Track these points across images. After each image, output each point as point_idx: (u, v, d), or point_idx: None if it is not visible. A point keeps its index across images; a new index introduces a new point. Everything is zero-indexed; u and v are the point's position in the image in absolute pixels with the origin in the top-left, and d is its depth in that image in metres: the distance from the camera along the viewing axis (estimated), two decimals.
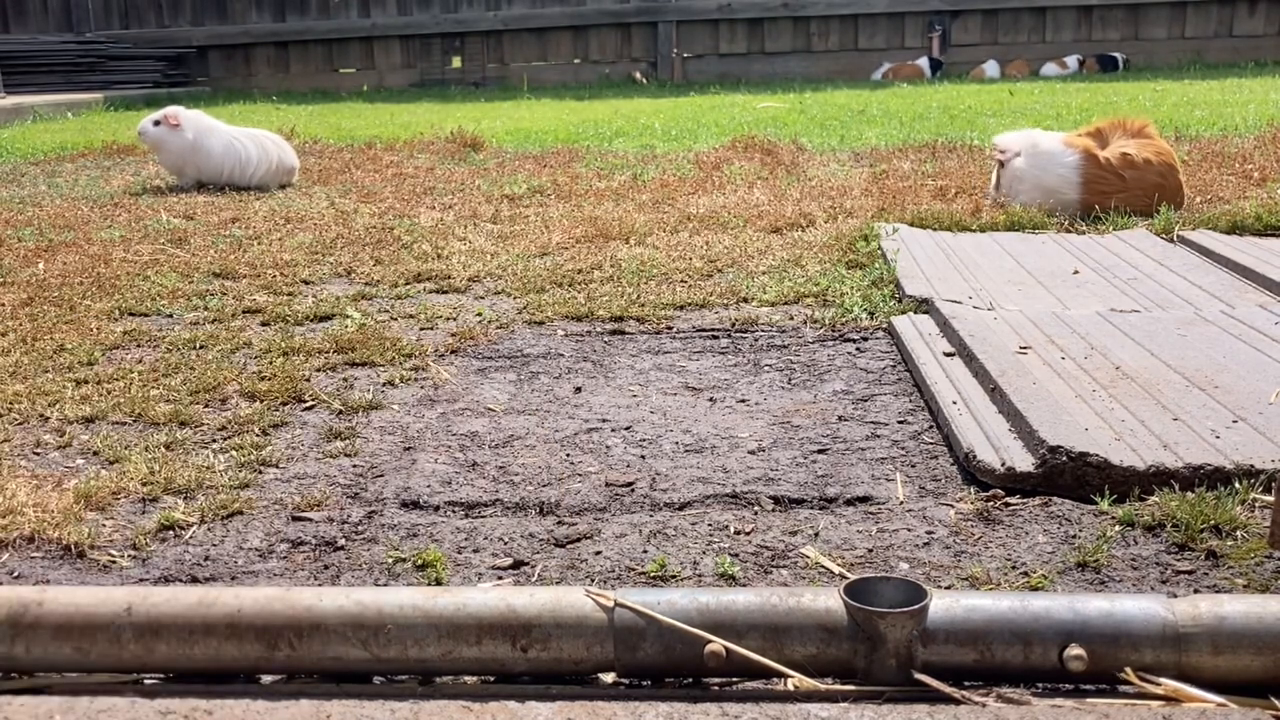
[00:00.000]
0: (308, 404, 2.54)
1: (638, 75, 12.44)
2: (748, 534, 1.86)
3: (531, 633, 1.36)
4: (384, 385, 2.67)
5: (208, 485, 2.08)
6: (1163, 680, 1.29)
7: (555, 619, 1.36)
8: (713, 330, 3.07)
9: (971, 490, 2.01)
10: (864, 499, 1.99)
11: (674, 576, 1.72)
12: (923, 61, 11.81)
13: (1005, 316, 2.86)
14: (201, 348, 2.98)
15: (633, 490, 2.04)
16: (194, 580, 1.76)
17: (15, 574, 1.78)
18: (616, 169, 5.90)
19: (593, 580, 1.72)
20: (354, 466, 2.18)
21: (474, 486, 2.07)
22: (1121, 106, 7.78)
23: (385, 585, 1.71)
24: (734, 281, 3.52)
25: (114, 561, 1.82)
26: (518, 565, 1.78)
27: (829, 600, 1.36)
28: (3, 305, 3.37)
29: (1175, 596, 1.42)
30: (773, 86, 11.02)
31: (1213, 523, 1.78)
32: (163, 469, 2.13)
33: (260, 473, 2.15)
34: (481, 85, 12.53)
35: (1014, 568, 1.72)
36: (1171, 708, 1.26)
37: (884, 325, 3.03)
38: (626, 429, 2.36)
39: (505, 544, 1.86)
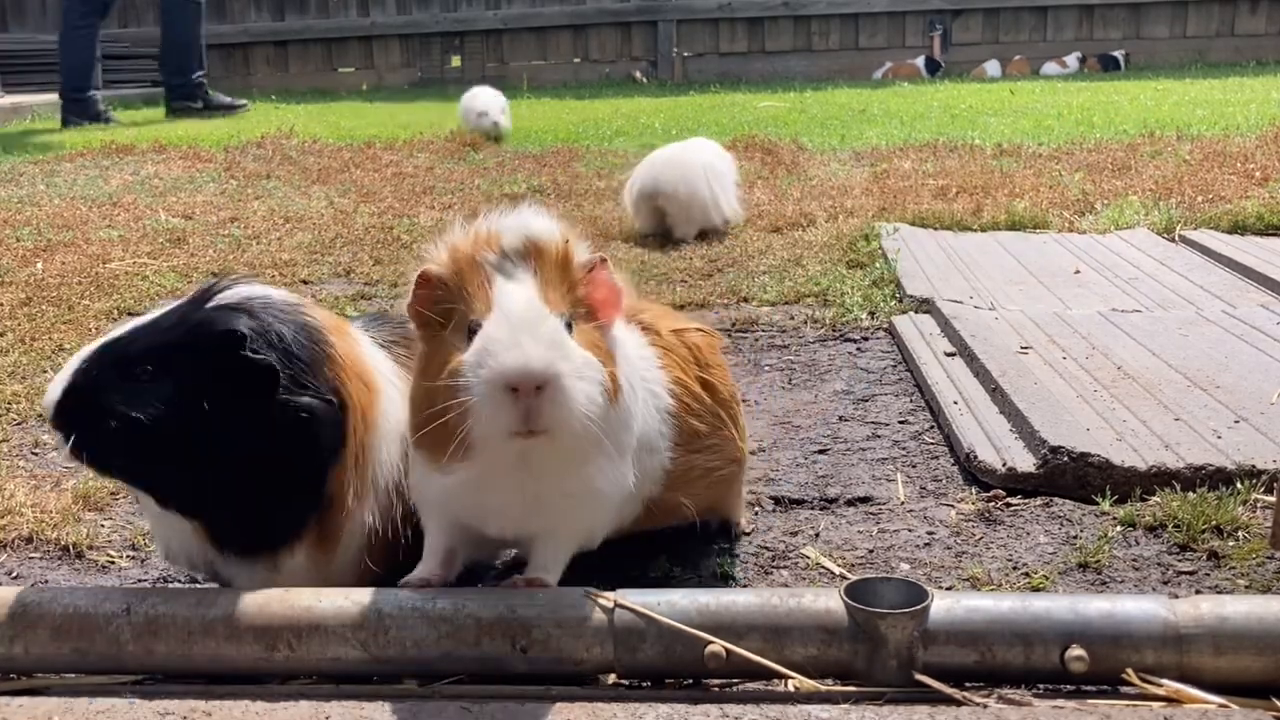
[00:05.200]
0: None
1: (638, 75, 12.43)
2: (748, 534, 1.86)
3: (531, 633, 1.35)
4: None
5: None
6: (1164, 681, 1.29)
7: (555, 619, 1.36)
8: None
9: (972, 490, 2.00)
10: (865, 499, 1.98)
11: (674, 577, 1.72)
12: (919, 61, 11.80)
13: (1006, 316, 2.86)
14: None
15: None
16: (193, 581, 1.75)
17: (14, 574, 1.78)
18: (616, 169, 5.89)
19: (593, 581, 1.72)
20: None
21: None
22: (1123, 105, 7.77)
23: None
24: (734, 281, 3.52)
25: (113, 562, 1.81)
26: (518, 565, 1.78)
27: (829, 601, 1.35)
28: (1, 305, 3.37)
29: (1177, 597, 1.41)
30: (773, 86, 11.01)
31: (1214, 523, 1.77)
32: None
33: None
34: (481, 85, 12.52)
35: (1015, 568, 1.71)
36: (1173, 708, 1.26)
37: (885, 325, 3.03)
38: None
39: None
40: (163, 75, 8.74)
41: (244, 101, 9.20)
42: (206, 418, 1.36)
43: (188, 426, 1.36)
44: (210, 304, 1.43)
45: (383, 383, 1.50)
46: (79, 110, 8.25)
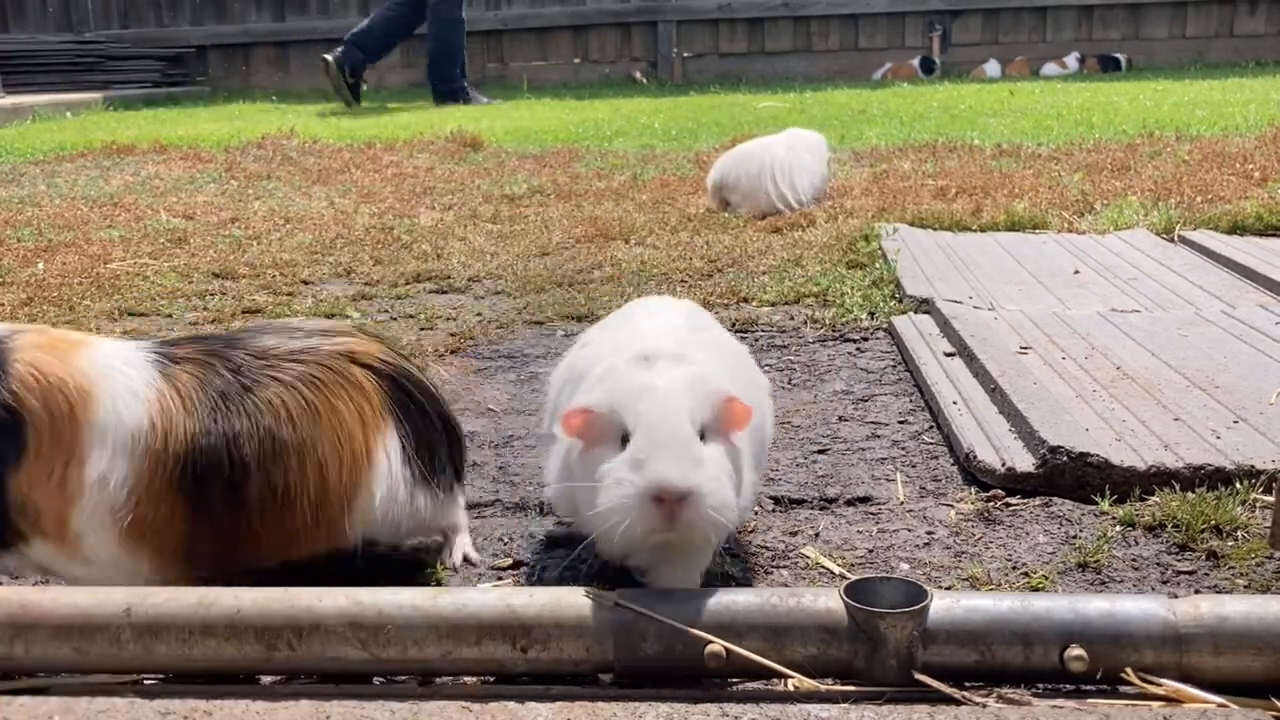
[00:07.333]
0: None
1: (638, 75, 12.42)
2: (748, 534, 1.86)
3: (531, 633, 1.36)
4: None
5: None
6: (1163, 681, 1.29)
7: (555, 619, 1.36)
8: None
9: (972, 490, 2.00)
10: (864, 499, 1.99)
11: None
12: (915, 62, 11.80)
13: (1006, 316, 2.86)
14: None
15: None
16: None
17: (14, 574, 1.78)
18: (616, 169, 5.89)
19: (593, 580, 1.72)
20: None
21: (474, 487, 2.07)
22: (1122, 106, 7.77)
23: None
24: (734, 281, 3.52)
25: None
26: (518, 565, 1.78)
27: (829, 601, 1.35)
28: (3, 305, 3.37)
29: (1176, 597, 1.42)
30: (773, 86, 11.01)
31: (1213, 523, 1.78)
32: None
33: None
34: (481, 85, 12.51)
35: (1014, 568, 1.71)
36: (1172, 708, 1.26)
37: (884, 325, 3.03)
38: None
39: (505, 544, 1.86)
40: (430, 80, 10.26)
41: (487, 100, 10.27)
42: None
43: None
44: None
45: (104, 391, 1.56)
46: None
